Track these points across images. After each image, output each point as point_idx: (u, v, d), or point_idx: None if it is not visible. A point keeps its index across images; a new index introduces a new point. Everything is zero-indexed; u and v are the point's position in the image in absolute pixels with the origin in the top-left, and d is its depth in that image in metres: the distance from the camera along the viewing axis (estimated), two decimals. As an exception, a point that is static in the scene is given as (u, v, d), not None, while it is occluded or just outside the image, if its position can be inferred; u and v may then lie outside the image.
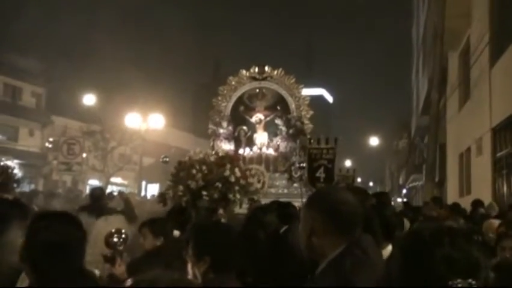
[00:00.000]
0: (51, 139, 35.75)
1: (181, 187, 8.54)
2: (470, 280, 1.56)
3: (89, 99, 28.84)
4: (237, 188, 8.84)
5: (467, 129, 15.29)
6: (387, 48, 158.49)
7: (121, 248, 3.83)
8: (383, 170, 62.24)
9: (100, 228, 4.62)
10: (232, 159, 9.87)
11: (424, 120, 24.37)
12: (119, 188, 31.88)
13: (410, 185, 34.96)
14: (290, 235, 4.82)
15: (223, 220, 6.63)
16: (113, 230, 3.91)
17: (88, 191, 23.28)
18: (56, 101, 36.31)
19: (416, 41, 34.10)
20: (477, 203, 9.06)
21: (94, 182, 37.03)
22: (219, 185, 8.59)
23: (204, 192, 8.37)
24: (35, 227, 2.14)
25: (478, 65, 13.58)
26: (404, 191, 40.88)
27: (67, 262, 2.09)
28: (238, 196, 8.80)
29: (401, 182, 44.77)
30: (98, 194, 6.41)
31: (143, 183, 31.69)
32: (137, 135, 25.70)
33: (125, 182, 38.37)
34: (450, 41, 15.81)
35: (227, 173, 8.76)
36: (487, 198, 11.34)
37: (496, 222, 5.84)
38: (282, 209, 5.29)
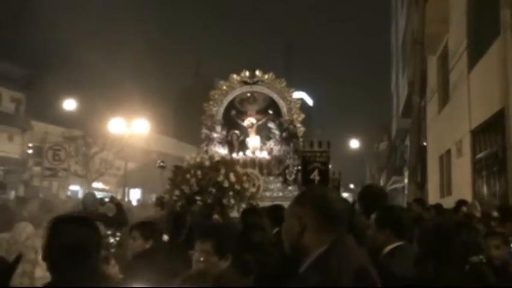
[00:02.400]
0: (30, 144, 35.41)
1: (176, 191, 8.60)
2: (480, 256, 2.50)
3: (69, 104, 28.70)
4: (231, 193, 8.88)
5: (447, 132, 15.63)
6: (367, 51, 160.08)
7: (113, 250, 3.98)
8: (364, 172, 62.76)
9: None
10: (227, 164, 9.91)
11: (405, 123, 24.77)
12: (100, 193, 31.72)
13: (391, 186, 35.38)
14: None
15: None
16: (108, 232, 4.06)
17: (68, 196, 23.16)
18: (36, 106, 35.98)
19: (396, 44, 34.60)
20: (461, 203, 9.32)
21: (75, 188, 36.75)
22: (212, 190, 8.65)
23: (198, 197, 8.43)
24: (55, 230, 2.31)
25: (457, 69, 13.91)
26: (385, 192, 41.30)
27: (84, 263, 2.25)
28: (232, 201, 8.84)
29: (381, 184, 45.27)
30: (90, 200, 6.47)
31: (126, 188, 31.60)
32: (119, 141, 25.62)
33: (107, 188, 38.14)
34: (429, 45, 16.16)
35: (220, 178, 8.82)
36: (467, 199, 11.66)
37: None
38: (273, 212, 5.43)
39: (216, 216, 7.02)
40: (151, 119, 23.66)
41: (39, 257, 3.09)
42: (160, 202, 8.40)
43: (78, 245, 2.25)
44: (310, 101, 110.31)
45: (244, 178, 10.09)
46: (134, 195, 35.99)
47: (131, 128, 19.96)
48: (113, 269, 3.81)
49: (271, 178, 15.08)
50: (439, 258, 2.44)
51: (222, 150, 15.46)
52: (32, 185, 32.37)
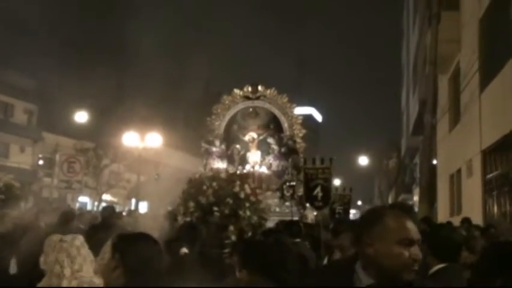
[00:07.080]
0: (40, 155, 35.70)
1: (191, 203, 8.61)
2: None
3: (81, 117, 28.96)
4: (247, 204, 8.93)
5: (457, 151, 15.68)
6: (377, 68, 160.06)
7: None
8: (372, 189, 62.54)
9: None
10: (242, 176, 9.99)
11: (414, 141, 24.81)
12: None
13: (400, 204, 35.29)
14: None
15: (233, 237, 6.77)
16: None
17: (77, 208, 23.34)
18: (47, 118, 36.37)
19: (406, 62, 34.75)
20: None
21: (84, 199, 36.91)
22: (229, 201, 8.68)
23: (215, 208, 8.45)
24: (124, 246, 2.50)
25: (468, 89, 14.00)
26: (394, 210, 41.16)
27: (152, 276, 2.46)
28: (248, 213, 8.88)
29: (390, 201, 45.10)
30: (109, 213, 6.61)
31: (134, 200, 31.66)
32: (130, 153, 25.80)
33: (115, 200, 38.27)
34: (440, 65, 16.27)
35: (237, 189, 8.86)
36: (477, 218, 11.71)
37: None
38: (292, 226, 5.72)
39: (231, 227, 7.06)
40: (161, 132, 23.83)
41: (65, 270, 3.21)
42: (174, 215, 8.35)
43: (147, 259, 2.44)
44: (319, 117, 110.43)
45: (258, 191, 10.12)
46: (142, 208, 36.04)
47: (145, 142, 20.17)
48: None
49: (268, 193, 15.09)
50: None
51: (221, 165, 15.54)
52: (41, 196, 32.57)
